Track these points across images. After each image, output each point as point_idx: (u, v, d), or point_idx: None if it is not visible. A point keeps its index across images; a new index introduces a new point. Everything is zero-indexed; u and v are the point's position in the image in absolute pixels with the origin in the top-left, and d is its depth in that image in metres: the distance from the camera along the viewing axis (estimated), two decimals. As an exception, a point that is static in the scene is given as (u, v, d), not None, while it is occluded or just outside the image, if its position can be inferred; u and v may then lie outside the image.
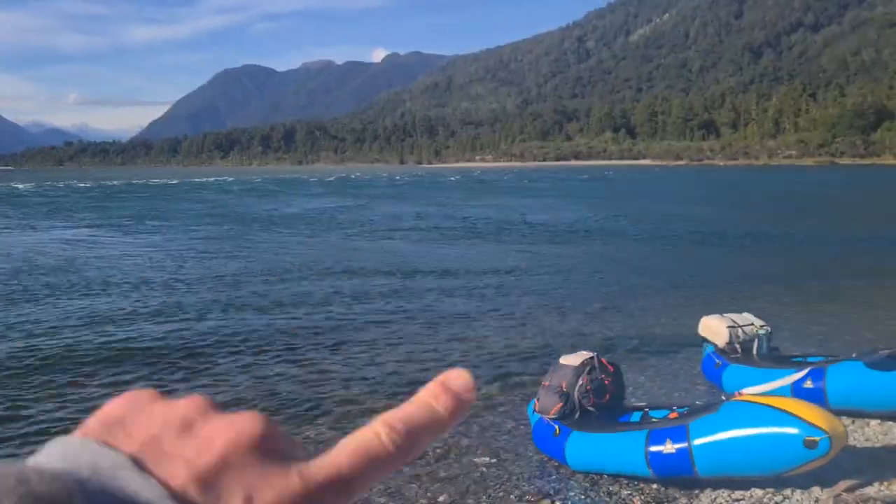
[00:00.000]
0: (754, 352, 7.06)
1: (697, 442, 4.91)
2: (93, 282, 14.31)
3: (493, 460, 5.84)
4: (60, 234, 24.86)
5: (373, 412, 4.34)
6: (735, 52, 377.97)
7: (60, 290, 13.40)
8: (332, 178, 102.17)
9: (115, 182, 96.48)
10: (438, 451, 5.93)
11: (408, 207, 37.89)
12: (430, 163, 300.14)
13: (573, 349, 6.51)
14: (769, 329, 7.23)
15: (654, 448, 5.06)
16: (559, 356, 6.02)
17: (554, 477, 5.58)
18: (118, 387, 7.57)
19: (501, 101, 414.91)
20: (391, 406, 0.49)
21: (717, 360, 7.15)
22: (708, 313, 7.62)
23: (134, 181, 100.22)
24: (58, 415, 6.87)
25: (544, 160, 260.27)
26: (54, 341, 9.52)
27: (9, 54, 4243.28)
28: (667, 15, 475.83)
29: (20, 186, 78.85)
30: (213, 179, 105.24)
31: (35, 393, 7.57)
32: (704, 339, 7.48)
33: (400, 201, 44.94)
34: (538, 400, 5.82)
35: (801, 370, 6.26)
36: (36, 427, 6.66)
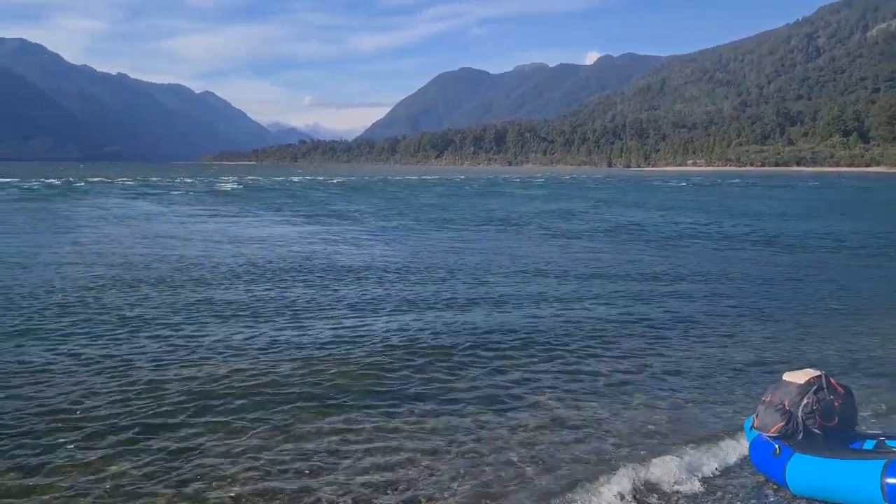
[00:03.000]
0: None
1: None
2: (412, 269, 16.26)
3: (706, 474, 5.75)
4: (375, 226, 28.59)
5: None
6: None
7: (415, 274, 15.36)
8: (557, 180, 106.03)
9: (366, 178, 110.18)
10: (643, 453, 6.04)
11: (643, 213, 37.88)
12: (638, 166, 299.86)
13: (789, 365, 6.41)
14: None
15: (891, 480, 4.63)
16: (781, 372, 5.80)
17: (772, 500, 5.34)
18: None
19: (718, 103, 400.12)
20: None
21: None
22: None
23: (373, 177, 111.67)
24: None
25: (762, 165, 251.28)
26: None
27: (258, 61, 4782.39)
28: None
29: (295, 179, 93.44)
30: (462, 178, 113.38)
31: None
32: None
33: (636, 207, 43.99)
34: (757, 416, 5.61)
35: None
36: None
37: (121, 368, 8.28)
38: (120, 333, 9.93)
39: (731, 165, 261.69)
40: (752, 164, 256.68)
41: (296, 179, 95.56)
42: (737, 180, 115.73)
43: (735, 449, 6.22)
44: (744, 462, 5.95)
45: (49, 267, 16.01)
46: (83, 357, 8.71)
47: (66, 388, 7.58)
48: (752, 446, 5.74)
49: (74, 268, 15.87)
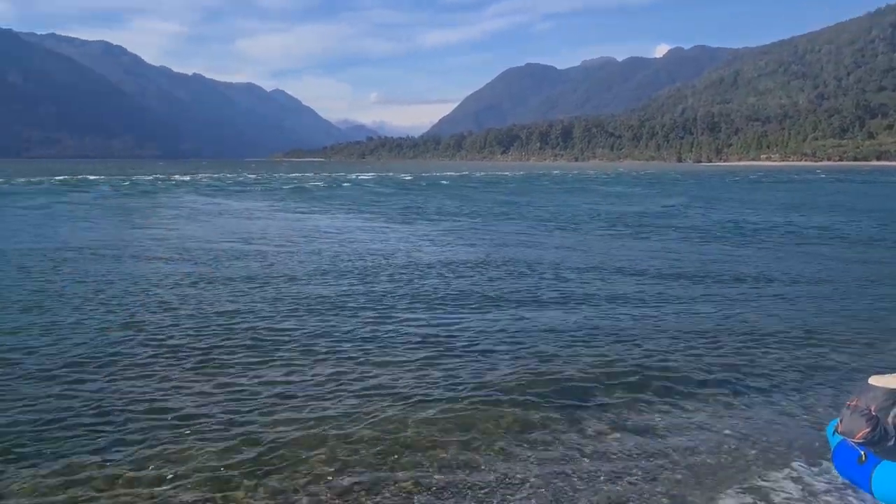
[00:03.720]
0: None
1: None
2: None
3: (785, 478, 5.70)
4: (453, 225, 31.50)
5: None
6: None
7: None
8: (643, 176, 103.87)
9: (437, 174, 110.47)
10: (723, 460, 6.08)
11: (756, 211, 35.90)
12: (709, 161, 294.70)
13: (877, 369, 6.23)
14: None
15: None
16: (867, 375, 5.57)
17: None
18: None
19: (793, 96, 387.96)
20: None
21: None
22: None
23: (443, 172, 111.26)
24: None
25: (840, 160, 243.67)
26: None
27: (327, 59, 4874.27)
28: None
29: (408, 178, 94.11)
30: (540, 173, 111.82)
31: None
32: None
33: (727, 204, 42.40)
34: (841, 421, 5.38)
35: None
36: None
37: (215, 363, 8.74)
38: (216, 328, 10.41)
39: (806, 160, 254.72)
40: (829, 159, 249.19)
41: (407, 177, 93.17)
42: (822, 175, 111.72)
43: (817, 453, 6.21)
44: (824, 464, 5.94)
45: (155, 262, 17.11)
46: (181, 351, 9.20)
47: (163, 381, 8.04)
48: (835, 451, 5.53)
49: (179, 264, 16.88)
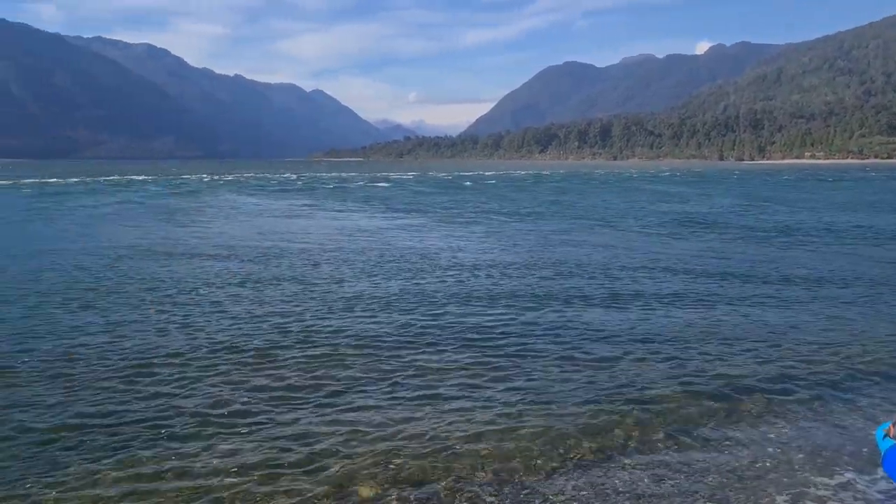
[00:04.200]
0: None
1: None
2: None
3: (836, 484, 5.63)
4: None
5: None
6: None
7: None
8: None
9: (478, 173, 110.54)
10: (769, 464, 6.03)
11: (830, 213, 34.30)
12: (752, 159, 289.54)
13: None
14: None
15: None
16: None
17: None
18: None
19: (839, 92, 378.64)
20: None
21: None
22: None
23: (486, 171, 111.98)
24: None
25: (889, 157, 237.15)
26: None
27: (365, 60, 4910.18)
28: None
29: (447, 177, 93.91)
30: (585, 172, 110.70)
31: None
32: None
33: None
34: (893, 424, 4.96)
35: None
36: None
37: (269, 360, 9.05)
38: (269, 327, 10.65)
39: (852, 158, 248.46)
40: (876, 157, 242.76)
41: (447, 176, 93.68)
42: (872, 173, 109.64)
43: (867, 459, 6.17)
44: (874, 470, 5.87)
45: (206, 260, 17.62)
46: (236, 351, 9.43)
47: (219, 377, 8.35)
48: (886, 456, 5.19)
49: (228, 262, 17.40)
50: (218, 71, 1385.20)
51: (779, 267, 17.14)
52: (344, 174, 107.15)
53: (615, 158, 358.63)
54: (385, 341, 10.00)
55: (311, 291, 13.63)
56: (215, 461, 6.17)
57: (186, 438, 6.63)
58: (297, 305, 12.31)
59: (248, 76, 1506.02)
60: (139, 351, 9.43)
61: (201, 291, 13.59)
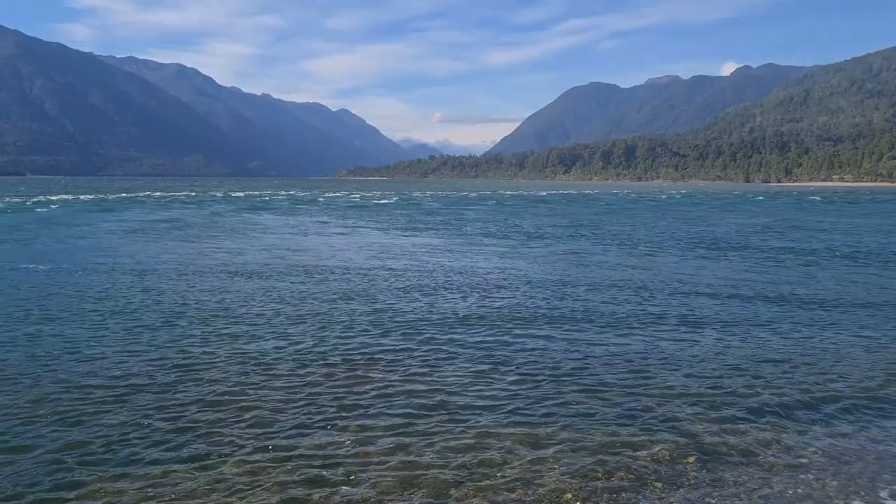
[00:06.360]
0: None
1: None
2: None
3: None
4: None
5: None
6: None
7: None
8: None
9: (504, 192, 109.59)
10: (801, 490, 6.08)
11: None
12: (778, 181, 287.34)
13: None
14: None
15: None
16: None
17: None
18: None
19: (867, 114, 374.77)
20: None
21: None
22: None
23: (514, 191, 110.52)
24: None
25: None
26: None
27: (391, 80, 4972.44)
28: None
29: (473, 195, 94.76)
30: (615, 192, 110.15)
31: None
32: None
33: None
34: None
35: None
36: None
37: (309, 375, 9.33)
38: (307, 342, 10.99)
39: (881, 181, 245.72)
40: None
41: (474, 195, 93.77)
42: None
43: None
44: None
45: (239, 277, 17.94)
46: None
47: (258, 390, 8.65)
48: None
49: (264, 280, 17.64)
50: (246, 90, 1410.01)
51: (819, 291, 16.93)
52: (370, 192, 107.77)
53: (640, 179, 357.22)
54: (422, 357, 10.38)
55: (350, 307, 14.15)
56: (257, 468, 6.48)
57: (202, 456, 6.79)
58: (335, 322, 12.70)
59: (276, 95, 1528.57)
60: (181, 365, 9.79)
61: (239, 309, 13.83)
